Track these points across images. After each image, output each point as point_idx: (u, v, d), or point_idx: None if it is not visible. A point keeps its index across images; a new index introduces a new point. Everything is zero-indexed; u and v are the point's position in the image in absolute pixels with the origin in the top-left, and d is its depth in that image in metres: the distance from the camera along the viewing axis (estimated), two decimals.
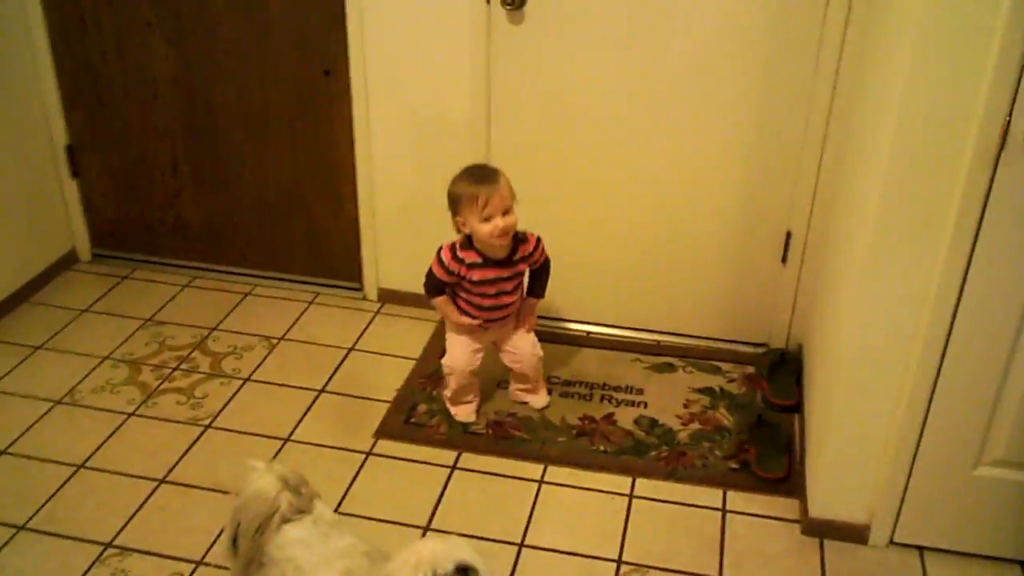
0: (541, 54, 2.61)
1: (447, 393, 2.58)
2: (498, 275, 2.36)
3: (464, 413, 2.58)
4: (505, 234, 2.28)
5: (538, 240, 2.42)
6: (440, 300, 2.44)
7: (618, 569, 2.12)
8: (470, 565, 1.44)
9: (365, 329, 2.98)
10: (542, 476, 2.39)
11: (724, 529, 2.23)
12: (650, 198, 2.73)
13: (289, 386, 2.70)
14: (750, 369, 2.78)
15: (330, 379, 2.74)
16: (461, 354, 2.48)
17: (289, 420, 2.56)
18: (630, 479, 2.38)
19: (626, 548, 2.18)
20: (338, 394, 2.68)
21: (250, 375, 2.74)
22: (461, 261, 2.34)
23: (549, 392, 2.66)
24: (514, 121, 2.71)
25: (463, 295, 2.41)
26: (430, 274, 2.40)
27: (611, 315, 2.94)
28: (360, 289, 3.13)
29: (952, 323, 1.89)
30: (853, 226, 2.09)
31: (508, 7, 2.57)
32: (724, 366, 2.79)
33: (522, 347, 2.52)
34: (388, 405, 2.62)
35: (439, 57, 2.69)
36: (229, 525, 1.74)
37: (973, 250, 1.82)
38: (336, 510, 2.25)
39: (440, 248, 2.38)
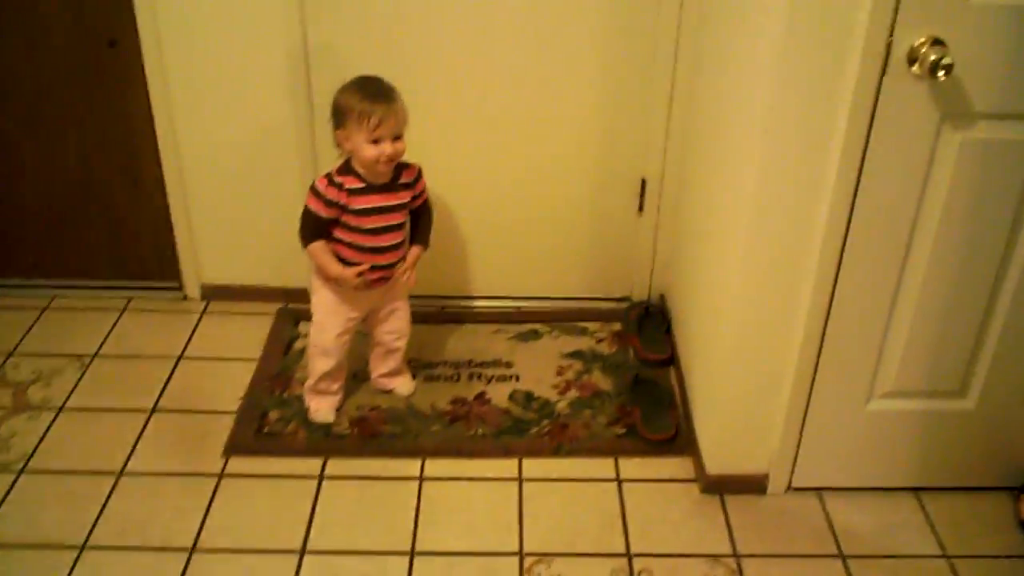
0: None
1: (309, 381, 2.30)
2: (383, 202, 2.09)
3: (324, 409, 2.31)
4: (392, 161, 2.04)
5: (420, 171, 2.17)
6: (317, 247, 2.10)
7: (522, 562, 1.95)
8: None
9: (192, 333, 2.63)
10: (421, 472, 2.18)
11: (623, 500, 2.10)
12: (498, 154, 2.54)
13: (113, 410, 2.34)
14: (617, 326, 2.66)
15: (160, 395, 2.39)
16: (333, 323, 2.20)
17: (119, 450, 2.21)
18: (516, 461, 2.21)
19: (526, 538, 2.01)
20: (173, 411, 2.35)
21: (64, 403, 2.35)
22: (340, 186, 2.05)
23: (413, 376, 2.44)
24: (341, 76, 2.42)
25: (345, 236, 2.10)
26: (306, 212, 2.08)
27: (465, 285, 2.75)
28: (179, 288, 2.77)
29: (841, 257, 1.83)
30: (727, 167, 1.99)
31: None
32: (590, 326, 2.66)
33: (402, 315, 2.29)
34: (234, 416, 2.32)
35: (245, 12, 2.36)
36: None
37: (859, 178, 1.74)
38: (193, 547, 1.96)
39: (313, 182, 2.08)
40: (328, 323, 2.21)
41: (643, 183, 2.57)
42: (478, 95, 2.45)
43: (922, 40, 1.61)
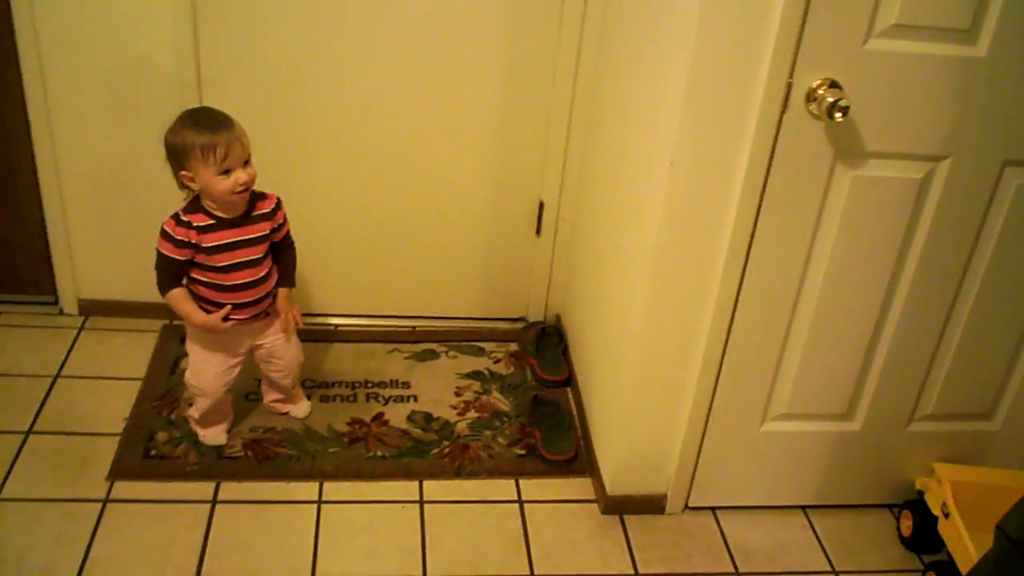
0: (261, 8, 2.28)
1: (194, 415, 2.22)
2: (237, 237, 1.98)
3: (213, 435, 2.24)
4: (247, 188, 1.94)
5: (278, 200, 2.06)
6: (176, 295, 2.01)
7: None
8: None
9: (70, 350, 2.50)
10: (319, 495, 2.13)
11: (525, 522, 2.11)
12: (395, 172, 2.52)
13: None
14: (514, 346, 2.68)
15: (37, 416, 2.26)
16: (212, 371, 2.12)
17: None
18: (417, 483, 2.19)
19: (429, 561, 1.99)
20: (52, 433, 2.21)
21: None
22: (188, 224, 1.94)
23: (308, 397, 2.39)
24: (233, 85, 2.35)
25: (200, 276, 2.00)
26: (159, 257, 1.98)
27: (360, 304, 2.71)
28: (55, 303, 2.63)
29: (740, 285, 1.90)
30: (631, 195, 2.03)
31: None
32: (487, 346, 2.67)
33: (285, 351, 2.19)
34: (118, 439, 2.21)
35: (133, 15, 2.26)
36: None
37: (759, 209, 1.82)
38: None
39: (163, 225, 1.97)
40: (205, 367, 2.12)
41: (541, 205, 2.60)
42: (376, 113, 2.43)
43: (819, 82, 1.70)
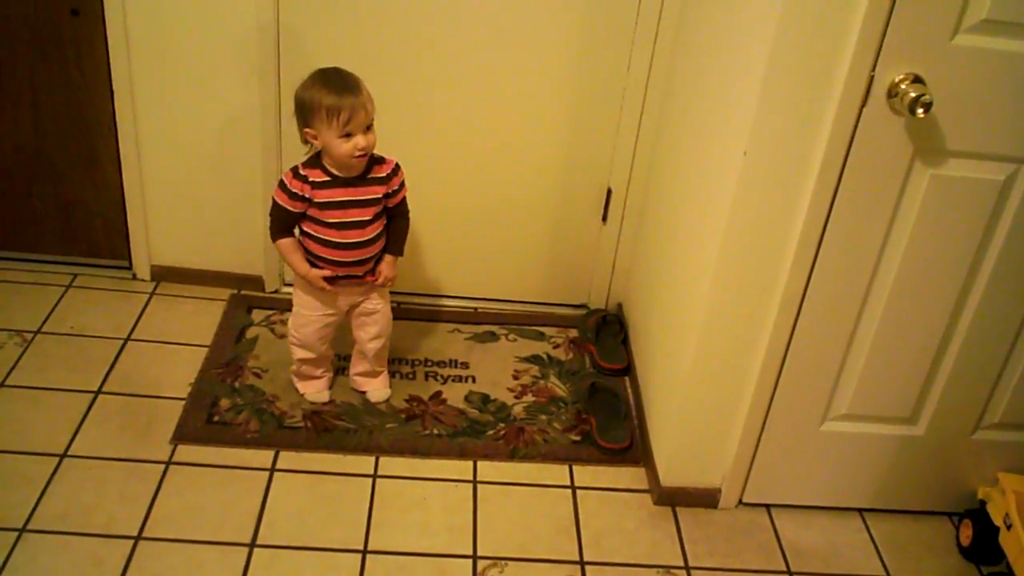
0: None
1: (292, 367, 2.29)
2: (349, 196, 2.03)
3: (314, 391, 2.31)
4: (366, 154, 1.99)
5: (396, 165, 2.10)
6: (285, 243, 2.08)
7: (475, 565, 1.95)
8: None
9: (141, 314, 2.56)
10: (375, 469, 2.16)
11: (577, 508, 2.11)
12: (464, 154, 2.53)
13: (56, 389, 2.26)
14: (573, 332, 2.67)
15: (107, 377, 2.32)
16: (310, 318, 2.18)
17: (63, 431, 2.14)
18: (471, 463, 2.20)
19: (479, 541, 2.01)
20: (120, 394, 2.28)
21: (3, 380, 2.27)
22: (304, 179, 2.00)
23: (390, 382, 2.40)
24: (310, 61, 2.35)
25: (310, 229, 2.06)
26: (274, 206, 2.05)
27: (423, 283, 2.73)
28: (129, 267, 2.70)
29: (808, 281, 1.86)
30: (702, 185, 2.01)
31: None
32: (547, 331, 2.67)
33: (380, 318, 2.24)
34: (183, 403, 2.26)
35: None
36: None
37: (832, 205, 1.78)
38: (138, 536, 1.91)
39: (281, 177, 2.04)
40: (305, 318, 2.20)
41: (608, 192, 2.59)
42: (447, 93, 2.43)
43: (903, 76, 1.65)
